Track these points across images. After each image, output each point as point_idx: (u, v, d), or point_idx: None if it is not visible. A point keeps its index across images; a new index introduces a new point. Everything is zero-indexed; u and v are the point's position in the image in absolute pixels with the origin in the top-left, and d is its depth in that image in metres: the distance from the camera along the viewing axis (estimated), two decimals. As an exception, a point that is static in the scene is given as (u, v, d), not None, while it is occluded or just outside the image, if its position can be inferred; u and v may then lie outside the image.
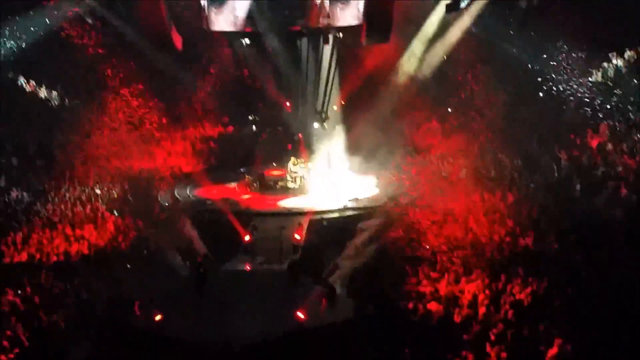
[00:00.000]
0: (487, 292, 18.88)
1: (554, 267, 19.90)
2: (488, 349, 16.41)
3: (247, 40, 33.47)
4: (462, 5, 32.12)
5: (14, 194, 26.50)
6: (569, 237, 21.31)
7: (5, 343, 17.91)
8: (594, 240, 20.73)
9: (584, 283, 18.58)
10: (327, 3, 30.77)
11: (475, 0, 32.03)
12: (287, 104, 36.89)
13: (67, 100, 32.88)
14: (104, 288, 21.02)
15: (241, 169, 34.58)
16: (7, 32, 31.16)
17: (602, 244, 20.41)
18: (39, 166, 28.88)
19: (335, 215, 27.10)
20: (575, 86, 31.29)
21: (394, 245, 23.57)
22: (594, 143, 27.70)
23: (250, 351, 16.72)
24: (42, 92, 31.95)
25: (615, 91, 29.07)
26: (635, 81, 29.08)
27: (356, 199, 28.11)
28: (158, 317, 17.48)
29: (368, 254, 23.11)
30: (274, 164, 34.68)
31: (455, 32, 35.06)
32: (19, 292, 20.35)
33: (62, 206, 26.69)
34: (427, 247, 22.88)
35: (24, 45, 31.76)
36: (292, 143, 35.75)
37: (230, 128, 38.38)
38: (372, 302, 18.66)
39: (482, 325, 17.59)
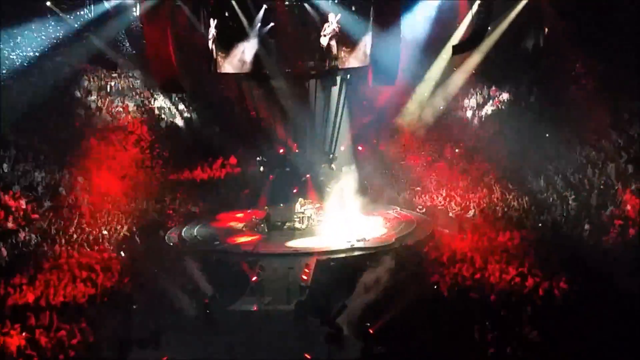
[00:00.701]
0: (495, 332, 18.76)
1: (562, 307, 19.82)
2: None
3: (254, 82, 33.73)
4: (469, 47, 32.28)
5: (22, 235, 26.51)
6: (577, 276, 21.24)
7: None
8: (603, 280, 20.65)
9: (593, 324, 18.45)
10: (334, 45, 31.05)
11: (482, 41, 32.16)
12: (295, 145, 37.01)
13: (73, 140, 33.00)
14: (111, 329, 20.95)
15: (248, 210, 34.54)
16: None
17: (611, 283, 20.32)
18: (47, 207, 28.89)
19: (343, 255, 26.93)
20: (582, 126, 31.27)
21: (402, 286, 23.46)
22: (602, 183, 27.68)
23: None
24: (51, 132, 32.11)
25: (623, 131, 29.01)
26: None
27: (364, 239, 28.00)
28: (165, 358, 17.34)
29: (376, 295, 22.98)
30: (281, 204, 34.70)
31: (461, 74, 35.35)
32: (25, 333, 20.33)
33: (69, 247, 26.68)
34: (435, 286, 22.79)
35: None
36: (300, 184, 35.77)
37: (238, 169, 38.45)
38: (379, 343, 18.50)
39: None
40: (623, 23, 29.75)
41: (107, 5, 29.72)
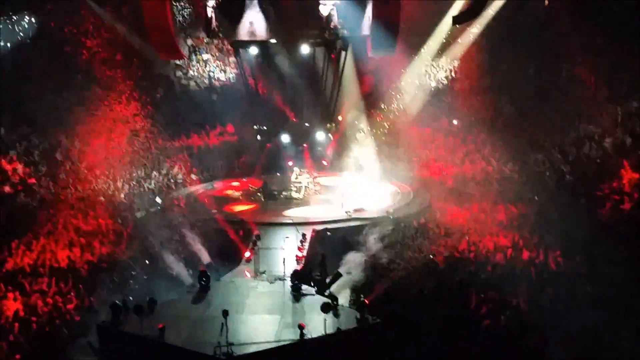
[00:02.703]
0: (489, 305, 18.91)
1: (558, 279, 19.98)
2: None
3: (253, 50, 33.51)
4: (469, 17, 32.08)
5: (19, 199, 26.54)
6: (572, 250, 21.38)
7: (7, 348, 17.96)
8: (598, 253, 20.81)
9: (588, 296, 18.63)
10: (335, 15, 30.86)
11: (481, 12, 31.97)
12: (293, 113, 36.89)
13: (71, 106, 32.83)
14: (106, 294, 21.04)
15: (244, 179, 34.52)
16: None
17: (606, 257, 20.48)
18: (43, 172, 28.85)
19: (339, 225, 26.99)
20: (580, 100, 31.20)
21: (398, 256, 23.56)
22: (600, 157, 27.73)
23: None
24: (46, 98, 31.92)
25: (621, 105, 29.00)
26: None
27: (359, 210, 28.03)
28: (159, 325, 17.39)
29: (371, 264, 23.07)
30: (278, 174, 34.70)
31: (461, 44, 35.18)
32: (22, 297, 20.43)
33: (66, 212, 26.70)
34: (432, 258, 22.90)
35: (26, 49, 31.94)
36: (297, 153, 35.72)
37: (235, 137, 38.36)
38: (375, 312, 18.57)
39: (485, 336, 17.66)
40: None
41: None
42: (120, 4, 35.13)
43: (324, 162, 36.40)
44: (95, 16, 33.62)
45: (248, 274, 22.32)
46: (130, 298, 19.79)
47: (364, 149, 35.26)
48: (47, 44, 32.62)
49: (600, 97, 30.27)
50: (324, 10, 30.58)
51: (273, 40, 32.42)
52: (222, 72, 39.36)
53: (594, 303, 18.39)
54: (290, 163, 34.47)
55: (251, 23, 31.23)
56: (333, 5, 30.76)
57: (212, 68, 39.10)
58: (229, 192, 33.19)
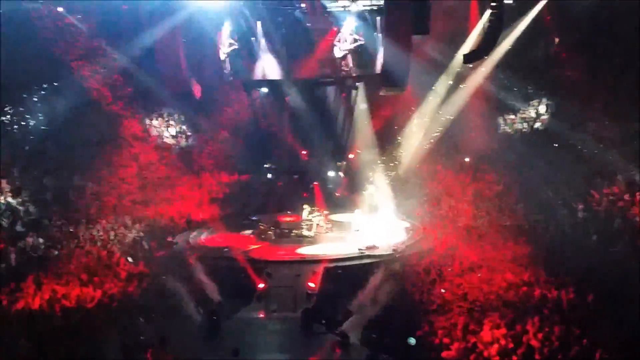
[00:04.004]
0: (501, 342, 18.72)
1: (570, 316, 19.78)
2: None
3: (264, 89, 33.82)
4: (480, 56, 32.25)
5: (30, 240, 26.66)
6: (585, 287, 21.20)
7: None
8: (611, 291, 20.61)
9: (600, 333, 18.41)
10: (350, 55, 31.13)
11: (492, 50, 32.15)
12: (304, 152, 37.05)
13: (84, 146, 33.16)
14: (118, 335, 21.00)
15: (255, 217, 34.55)
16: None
17: (619, 294, 20.29)
18: (56, 212, 29.05)
19: (350, 263, 26.89)
20: (591, 137, 31.19)
21: (409, 294, 23.46)
22: (611, 194, 27.63)
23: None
24: (60, 138, 32.28)
25: (633, 144, 28.94)
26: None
27: (372, 247, 27.95)
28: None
29: (383, 302, 22.98)
30: (289, 212, 34.75)
31: (472, 83, 35.29)
32: (33, 339, 20.41)
33: (77, 252, 26.81)
34: (443, 296, 22.77)
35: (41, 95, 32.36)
36: (308, 191, 35.80)
37: (246, 176, 38.44)
38: (385, 350, 18.48)
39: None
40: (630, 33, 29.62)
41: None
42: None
43: (337, 194, 36.37)
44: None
45: (259, 312, 22.29)
46: (142, 338, 19.72)
47: (375, 186, 35.20)
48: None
49: (611, 135, 30.23)
50: (338, 53, 30.84)
51: (284, 79, 32.69)
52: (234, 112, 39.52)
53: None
54: (304, 195, 34.57)
55: (262, 62, 31.49)
56: (348, 50, 31.05)
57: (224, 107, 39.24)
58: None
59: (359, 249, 27.76)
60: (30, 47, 30.80)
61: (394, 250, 27.47)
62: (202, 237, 31.13)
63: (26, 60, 30.60)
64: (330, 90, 35.10)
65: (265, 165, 37.38)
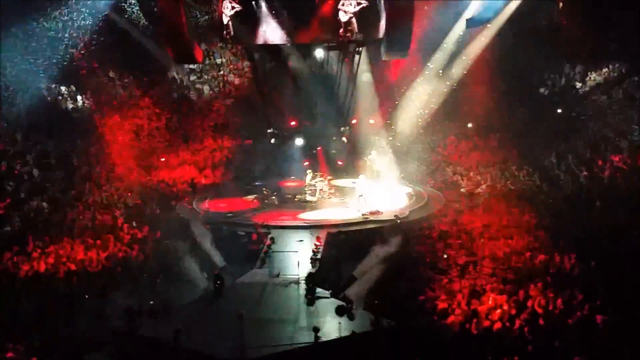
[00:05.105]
0: (504, 306, 18.81)
1: (572, 282, 19.88)
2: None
3: (268, 54, 33.57)
4: (482, 20, 31.97)
5: (34, 203, 26.70)
6: (587, 253, 21.28)
7: (22, 352, 18.03)
8: (613, 256, 20.69)
9: (602, 298, 18.50)
10: (354, 20, 30.77)
11: (495, 16, 31.87)
12: (306, 117, 36.90)
13: (88, 110, 33.08)
14: (121, 298, 21.10)
15: (258, 182, 34.53)
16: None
17: (621, 259, 20.38)
18: (60, 177, 29.06)
19: (354, 228, 26.91)
20: (596, 102, 31.03)
21: (413, 259, 23.53)
22: (614, 159, 27.59)
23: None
24: (64, 103, 32.19)
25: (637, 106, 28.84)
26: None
27: (375, 212, 27.94)
28: (174, 329, 17.41)
29: (386, 267, 23.04)
30: (292, 177, 34.70)
31: (474, 48, 35.02)
32: (36, 301, 20.54)
33: (81, 217, 26.88)
34: (447, 261, 22.85)
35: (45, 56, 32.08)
36: (311, 156, 35.73)
37: (249, 141, 38.32)
38: (389, 315, 18.54)
39: (498, 339, 17.56)
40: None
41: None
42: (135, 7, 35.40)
43: (339, 163, 36.30)
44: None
45: (262, 277, 22.34)
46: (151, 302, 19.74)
47: (378, 152, 35.09)
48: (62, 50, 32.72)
49: (615, 98, 30.11)
50: (343, 16, 30.51)
51: (287, 44, 32.38)
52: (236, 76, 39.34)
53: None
54: (306, 163, 34.53)
55: (265, 27, 31.13)
56: (352, 14, 30.70)
57: (226, 72, 39.07)
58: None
59: (363, 214, 27.75)
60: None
61: (397, 215, 27.39)
62: (205, 202, 31.07)
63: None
64: (333, 55, 34.78)
65: (268, 131, 37.14)
